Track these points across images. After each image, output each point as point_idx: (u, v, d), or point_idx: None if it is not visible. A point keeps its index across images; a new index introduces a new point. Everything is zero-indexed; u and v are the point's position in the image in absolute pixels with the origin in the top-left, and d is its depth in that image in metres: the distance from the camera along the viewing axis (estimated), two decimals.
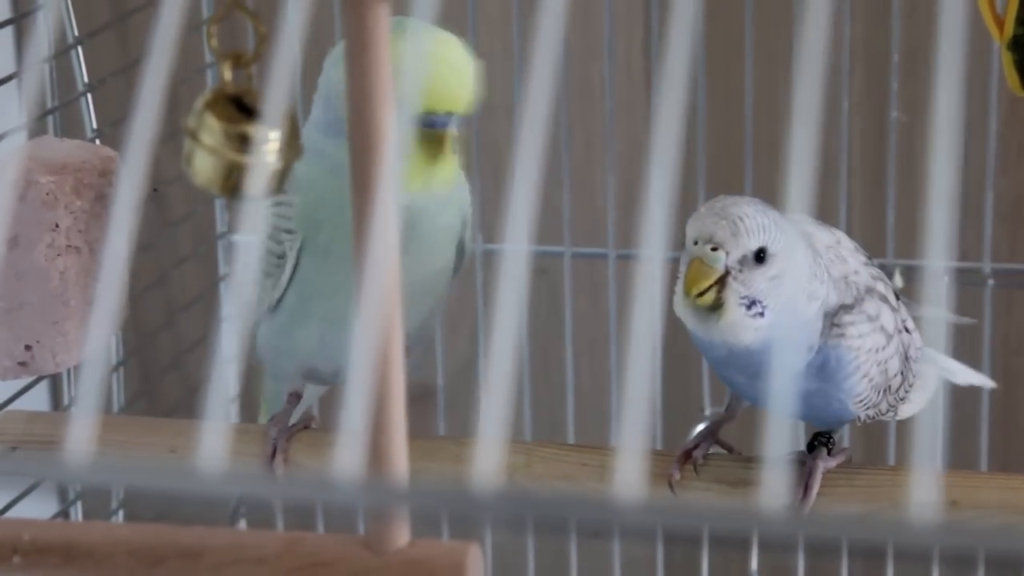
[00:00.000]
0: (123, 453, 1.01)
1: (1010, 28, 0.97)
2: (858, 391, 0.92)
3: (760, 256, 0.86)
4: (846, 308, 0.91)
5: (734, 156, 1.28)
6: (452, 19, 1.32)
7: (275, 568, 0.62)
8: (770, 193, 1.30)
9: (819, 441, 0.95)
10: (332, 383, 1.05)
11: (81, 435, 0.52)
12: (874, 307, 0.93)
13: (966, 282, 1.27)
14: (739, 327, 0.87)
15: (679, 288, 0.88)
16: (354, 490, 0.54)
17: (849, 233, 1.31)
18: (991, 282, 1.26)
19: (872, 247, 1.33)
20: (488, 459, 0.48)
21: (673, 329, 1.34)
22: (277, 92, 0.56)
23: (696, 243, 0.87)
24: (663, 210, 0.58)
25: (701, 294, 0.87)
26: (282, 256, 0.96)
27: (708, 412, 1.29)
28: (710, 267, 0.86)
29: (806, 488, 0.93)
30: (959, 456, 1.32)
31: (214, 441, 0.51)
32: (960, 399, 1.33)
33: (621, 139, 1.31)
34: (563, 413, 1.31)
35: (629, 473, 0.46)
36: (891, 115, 1.25)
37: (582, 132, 1.35)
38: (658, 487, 0.96)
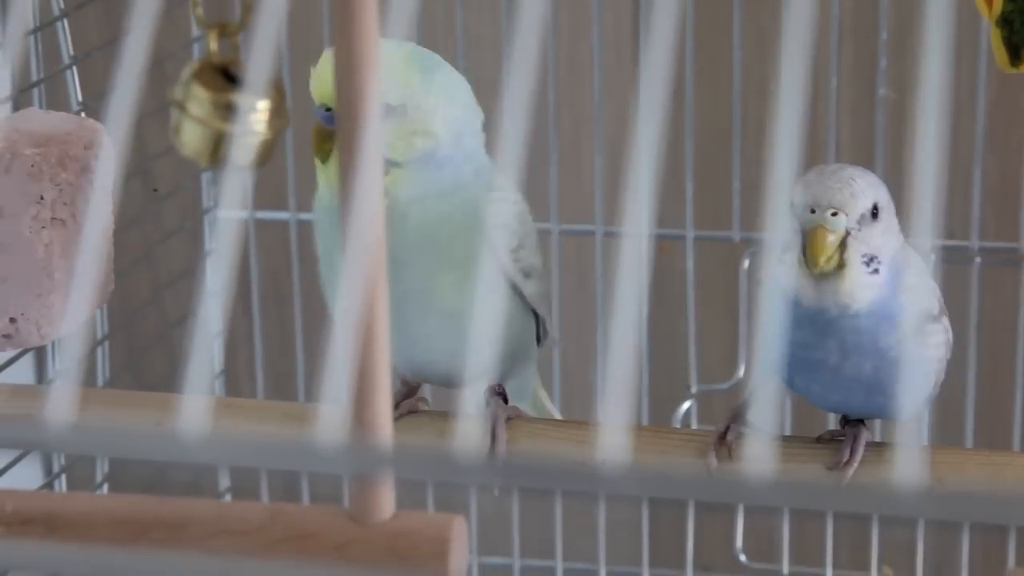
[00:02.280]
0: (108, 423, 1.01)
1: (999, 4, 0.97)
2: (918, 394, 0.95)
3: (875, 212, 0.89)
4: (933, 318, 0.93)
5: (722, 134, 1.28)
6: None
7: (259, 539, 0.62)
8: (757, 170, 1.30)
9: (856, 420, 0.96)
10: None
11: (62, 404, 0.52)
12: (947, 320, 0.95)
13: (953, 260, 1.27)
14: (859, 285, 0.89)
15: (789, 258, 0.89)
16: (341, 456, 0.53)
17: None
18: (978, 260, 1.26)
19: None
20: (473, 433, 0.47)
21: (659, 307, 1.35)
22: (260, 60, 0.56)
23: (814, 211, 0.88)
24: (649, 188, 0.58)
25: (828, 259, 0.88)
26: None
27: (694, 390, 1.29)
28: (832, 232, 0.88)
29: (851, 454, 0.94)
30: (945, 434, 1.33)
31: (196, 405, 0.51)
32: (946, 378, 1.33)
33: (609, 116, 1.31)
34: (548, 390, 1.31)
35: (615, 442, 0.46)
36: (879, 93, 1.25)
37: (569, 109, 1.35)
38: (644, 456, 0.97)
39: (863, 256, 0.89)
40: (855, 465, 0.94)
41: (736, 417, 0.97)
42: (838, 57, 1.27)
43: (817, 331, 0.91)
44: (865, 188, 0.89)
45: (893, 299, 0.91)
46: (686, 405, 1.28)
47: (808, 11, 0.52)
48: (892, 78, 1.26)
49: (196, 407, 0.51)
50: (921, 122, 0.48)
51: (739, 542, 1.29)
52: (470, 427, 0.50)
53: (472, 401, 0.96)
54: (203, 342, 0.53)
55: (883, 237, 0.90)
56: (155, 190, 1.32)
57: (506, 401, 1.00)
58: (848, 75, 1.31)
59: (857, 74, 1.32)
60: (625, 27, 1.35)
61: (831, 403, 0.95)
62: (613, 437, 0.45)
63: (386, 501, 0.62)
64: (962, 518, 0.53)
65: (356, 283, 0.53)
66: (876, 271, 0.89)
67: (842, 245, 0.88)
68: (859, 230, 0.88)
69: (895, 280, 0.90)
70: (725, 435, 0.96)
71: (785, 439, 0.99)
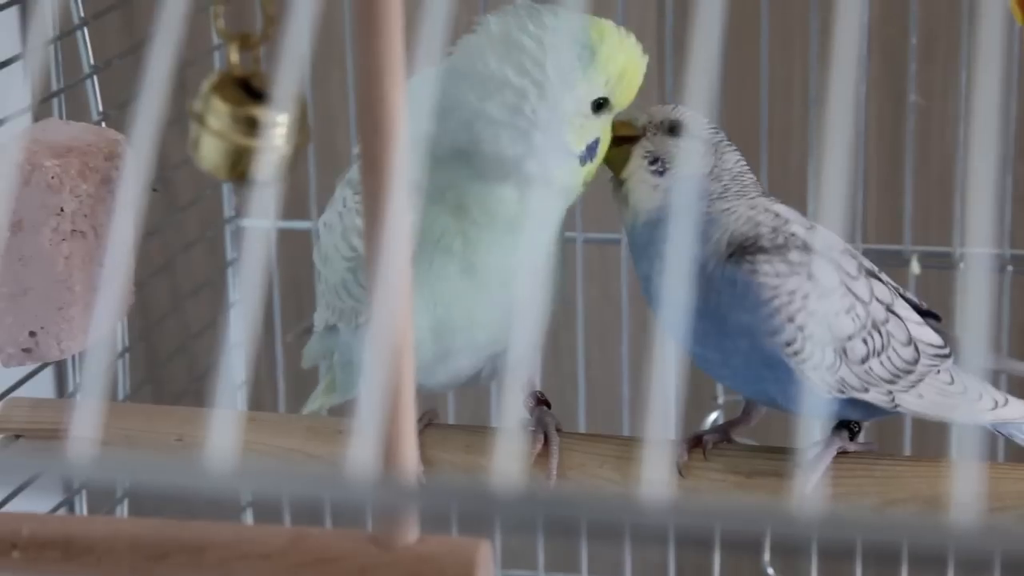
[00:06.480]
0: (129, 444, 1.00)
1: None
2: (786, 336, 0.90)
3: (674, 128, 0.95)
4: (764, 249, 0.91)
5: (749, 137, 1.26)
6: None
7: (281, 564, 0.61)
8: (783, 176, 1.29)
9: (842, 425, 0.94)
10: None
11: (86, 425, 0.50)
12: (803, 258, 0.91)
13: None
14: (640, 183, 0.95)
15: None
16: (367, 489, 0.52)
17: (865, 219, 1.30)
18: (1010, 268, 1.24)
19: (889, 233, 1.32)
20: (508, 450, 0.46)
21: None
22: (288, 75, 0.55)
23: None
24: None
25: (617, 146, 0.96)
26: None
27: (721, 400, 1.28)
28: (629, 124, 0.95)
29: (813, 464, 0.93)
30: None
31: (223, 430, 0.50)
32: None
33: None
34: (574, 402, 1.30)
35: (656, 471, 0.44)
36: (909, 99, 1.23)
37: None
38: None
39: (647, 153, 0.95)
40: (817, 475, 0.92)
41: (723, 429, 0.98)
42: (867, 63, 1.25)
43: (638, 263, 0.96)
44: (678, 109, 0.97)
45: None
46: (713, 416, 1.27)
47: (856, 21, 0.50)
48: (921, 84, 1.24)
49: (224, 437, 0.50)
50: (976, 135, 0.47)
51: (767, 556, 1.28)
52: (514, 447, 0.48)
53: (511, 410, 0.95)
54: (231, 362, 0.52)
55: (677, 151, 0.95)
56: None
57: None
58: (877, 82, 1.30)
59: (886, 80, 1.30)
60: (650, 34, 1.33)
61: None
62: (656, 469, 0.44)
63: (411, 525, 0.61)
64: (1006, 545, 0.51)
65: (386, 315, 0.52)
66: (660, 173, 0.94)
67: (634, 143, 0.96)
68: (654, 135, 0.95)
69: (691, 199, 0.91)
70: (703, 437, 0.96)
71: (766, 453, 0.97)
